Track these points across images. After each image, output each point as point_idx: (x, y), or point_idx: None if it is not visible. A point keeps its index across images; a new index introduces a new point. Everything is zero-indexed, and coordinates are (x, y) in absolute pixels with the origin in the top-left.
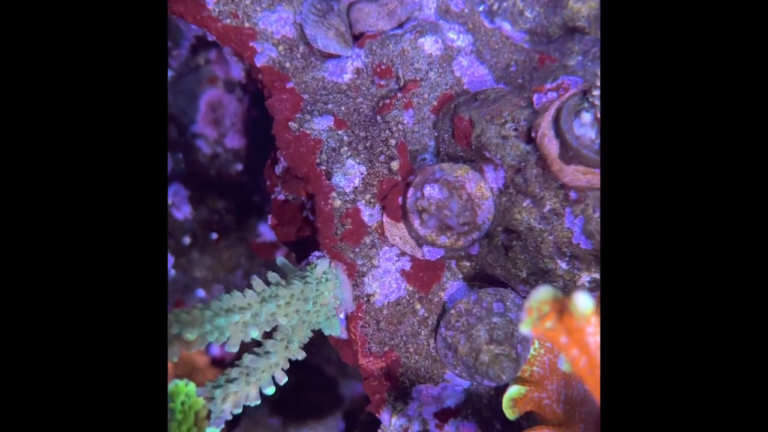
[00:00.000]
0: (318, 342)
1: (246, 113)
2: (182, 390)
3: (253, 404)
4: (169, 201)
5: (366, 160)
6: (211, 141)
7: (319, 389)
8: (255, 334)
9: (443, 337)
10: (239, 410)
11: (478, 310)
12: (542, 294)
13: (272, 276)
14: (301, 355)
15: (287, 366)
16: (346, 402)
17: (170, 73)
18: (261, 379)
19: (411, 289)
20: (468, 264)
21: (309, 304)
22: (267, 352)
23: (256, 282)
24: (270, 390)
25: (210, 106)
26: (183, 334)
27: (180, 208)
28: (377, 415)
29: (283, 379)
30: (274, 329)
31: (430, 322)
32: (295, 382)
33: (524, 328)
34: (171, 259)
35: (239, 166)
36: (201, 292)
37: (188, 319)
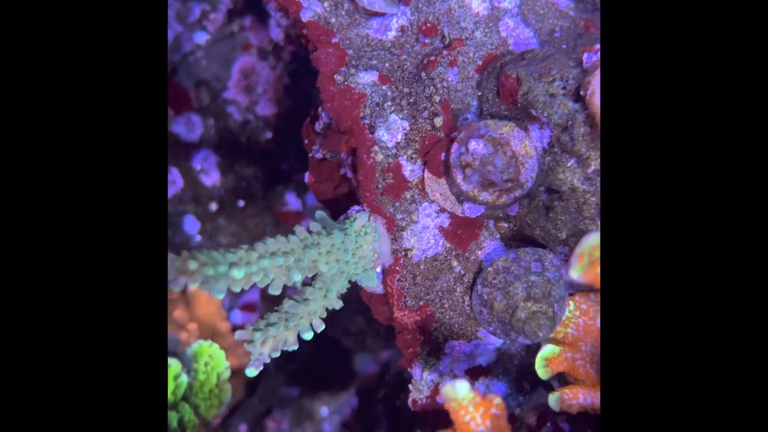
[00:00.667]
0: (338, 314)
1: (277, 81)
2: (206, 351)
3: (290, 349)
4: (198, 167)
5: (409, 116)
6: (242, 108)
7: (335, 363)
8: (298, 278)
9: (479, 294)
10: (277, 354)
11: (516, 269)
12: (594, 240)
13: (314, 225)
14: (338, 305)
15: (324, 315)
16: (359, 378)
17: (206, 37)
18: (299, 325)
19: (449, 245)
20: (506, 225)
21: (348, 255)
22: (306, 299)
23: (299, 230)
24: (308, 335)
25: (243, 73)
26: (230, 273)
27: (209, 174)
28: (409, 369)
29: (320, 327)
30: (313, 278)
31: (466, 279)
32: (313, 353)
33: (574, 273)
34: (197, 225)
35: (269, 134)
36: None
37: (236, 258)
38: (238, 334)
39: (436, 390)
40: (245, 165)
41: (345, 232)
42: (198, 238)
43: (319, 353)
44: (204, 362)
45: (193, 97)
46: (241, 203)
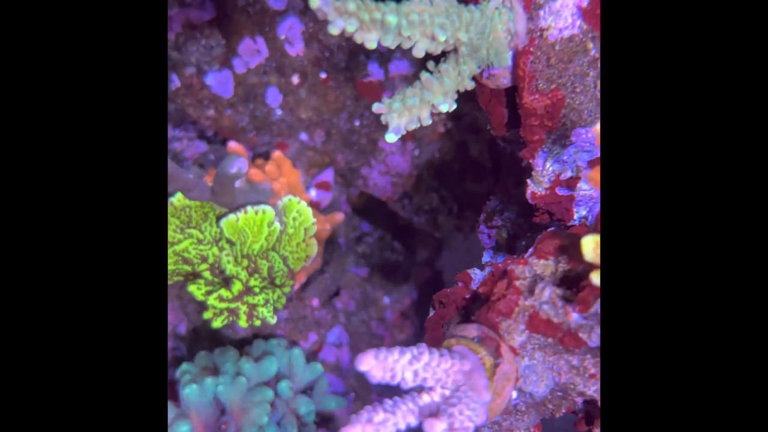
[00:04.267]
0: (410, 192)
1: None
2: (295, 206)
3: (425, 124)
4: (282, 36)
5: None
6: None
7: (400, 252)
8: (443, 38)
9: None
10: (413, 126)
11: None
12: None
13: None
14: (470, 86)
15: (455, 96)
16: (418, 271)
17: None
18: (434, 100)
19: (586, 27)
20: None
21: (484, 34)
22: (441, 76)
23: None
24: (445, 107)
25: None
26: (385, 18)
27: (293, 43)
28: (531, 160)
29: (453, 106)
30: (445, 57)
31: (599, 65)
32: (381, 237)
33: None
34: (279, 98)
35: None
36: (304, 135)
37: (388, 9)
38: (376, 107)
39: (557, 181)
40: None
41: (481, 11)
42: (279, 112)
43: (388, 234)
44: (293, 217)
45: None
46: (323, 74)
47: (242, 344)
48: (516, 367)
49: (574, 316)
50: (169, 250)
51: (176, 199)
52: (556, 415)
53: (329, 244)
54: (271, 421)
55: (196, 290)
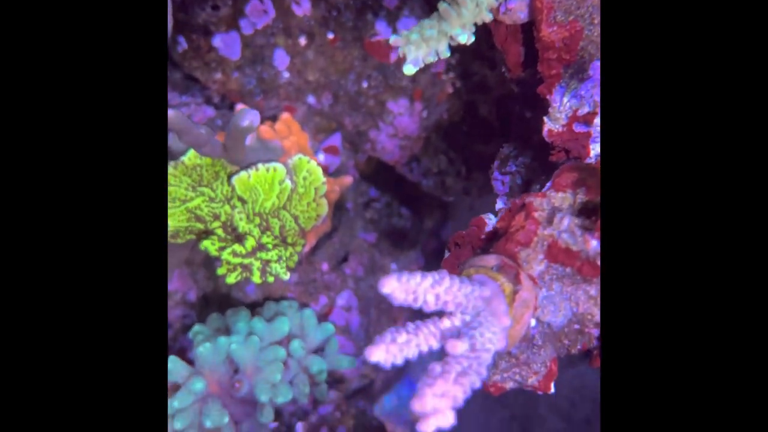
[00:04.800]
0: (419, 154)
1: None
2: (305, 165)
3: (443, 56)
4: None
5: None
6: None
7: (407, 218)
8: None
9: None
10: (432, 59)
11: None
12: None
13: None
14: (488, 18)
15: (473, 29)
16: (425, 236)
17: None
18: (451, 32)
19: None
20: None
21: None
22: (459, 8)
23: None
24: (463, 38)
25: None
26: None
27: (300, 2)
28: (549, 96)
29: (471, 38)
30: None
31: None
32: (389, 204)
33: None
34: (286, 60)
35: None
36: (311, 98)
37: None
38: (393, 39)
39: (574, 116)
40: None
41: None
42: (287, 74)
43: (395, 200)
44: (303, 176)
45: None
46: (331, 35)
47: (253, 308)
48: (535, 294)
49: (593, 244)
50: (182, 207)
51: (187, 158)
52: (572, 350)
53: (338, 210)
54: (283, 380)
55: (210, 245)
